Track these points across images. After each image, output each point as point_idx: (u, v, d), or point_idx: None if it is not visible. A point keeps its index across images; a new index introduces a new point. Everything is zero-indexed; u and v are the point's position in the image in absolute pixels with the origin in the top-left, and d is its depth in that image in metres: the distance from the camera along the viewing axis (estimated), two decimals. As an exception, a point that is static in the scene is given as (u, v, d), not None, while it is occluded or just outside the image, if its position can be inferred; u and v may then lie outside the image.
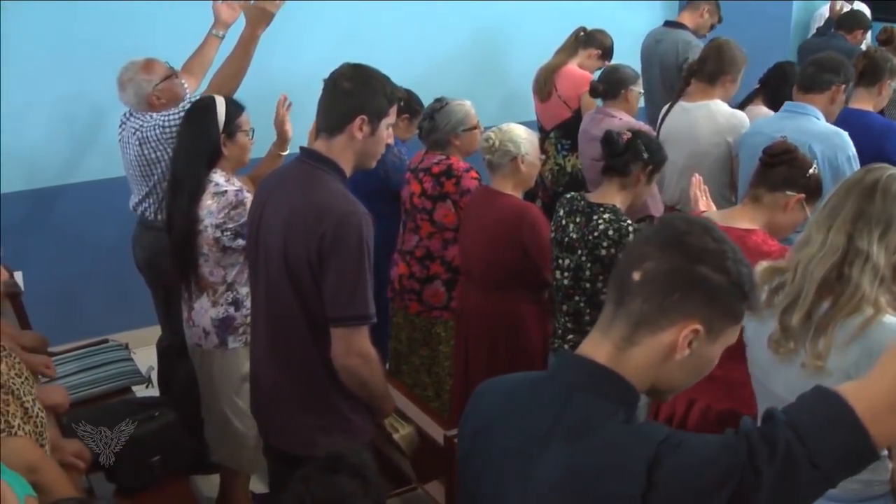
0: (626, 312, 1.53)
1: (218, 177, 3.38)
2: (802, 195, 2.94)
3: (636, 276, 1.52)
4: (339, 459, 1.87)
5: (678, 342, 1.51)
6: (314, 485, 1.85)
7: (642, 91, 5.05)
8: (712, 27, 5.96)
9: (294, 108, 3.84)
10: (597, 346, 1.57)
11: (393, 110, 2.72)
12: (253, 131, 3.53)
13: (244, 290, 3.41)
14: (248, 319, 3.40)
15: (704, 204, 3.41)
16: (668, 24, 6.02)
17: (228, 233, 3.32)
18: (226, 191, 3.34)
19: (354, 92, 2.63)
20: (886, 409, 1.39)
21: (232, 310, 3.44)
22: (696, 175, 3.57)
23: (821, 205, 2.38)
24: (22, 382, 2.66)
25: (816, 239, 2.25)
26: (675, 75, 5.67)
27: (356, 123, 2.63)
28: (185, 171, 3.40)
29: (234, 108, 3.46)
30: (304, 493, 1.86)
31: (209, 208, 3.33)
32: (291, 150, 3.77)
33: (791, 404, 1.47)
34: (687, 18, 5.95)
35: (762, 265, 2.40)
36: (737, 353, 2.67)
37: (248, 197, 3.33)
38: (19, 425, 2.48)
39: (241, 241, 3.31)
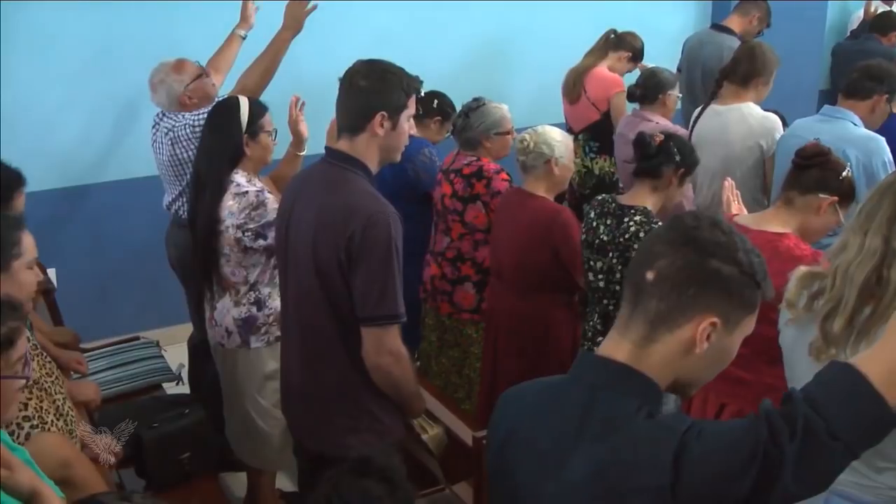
0: (643, 311, 1.56)
1: (240, 177, 3.38)
2: (835, 198, 2.91)
3: (650, 275, 1.55)
4: (368, 463, 1.87)
5: (697, 337, 1.53)
6: (342, 487, 1.85)
7: (680, 95, 5.01)
8: (759, 34, 5.80)
9: (324, 108, 3.84)
10: (616, 346, 1.59)
11: (412, 101, 2.70)
12: (276, 132, 3.52)
13: (266, 290, 3.42)
14: (271, 319, 3.42)
15: (737, 208, 3.38)
16: (715, 27, 5.91)
17: (249, 233, 3.32)
18: (247, 191, 3.33)
19: (371, 89, 2.62)
20: None
21: (254, 309, 3.44)
22: (729, 179, 3.55)
23: (857, 209, 2.35)
24: (53, 381, 2.69)
25: (854, 243, 2.23)
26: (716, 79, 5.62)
27: (376, 120, 2.62)
28: (207, 171, 3.40)
29: (258, 109, 3.46)
30: (332, 494, 1.86)
31: (230, 209, 3.33)
32: (310, 149, 3.82)
33: (809, 382, 1.49)
34: (735, 23, 5.79)
35: (801, 270, 2.38)
36: (767, 356, 2.66)
37: (270, 197, 3.33)
38: (52, 421, 2.51)
39: (262, 242, 3.31)
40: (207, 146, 3.47)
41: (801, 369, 2.36)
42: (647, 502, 1.44)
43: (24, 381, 1.92)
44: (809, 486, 1.43)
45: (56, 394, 2.68)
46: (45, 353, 2.78)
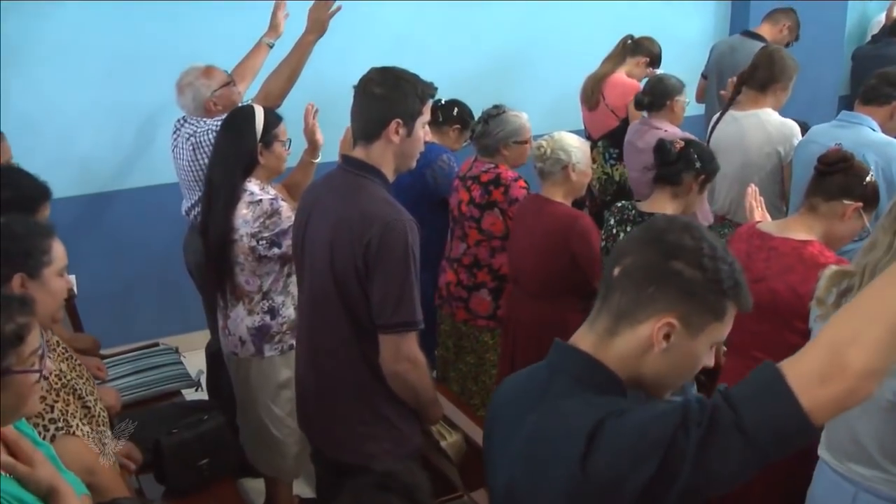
0: (609, 306, 1.62)
1: (253, 185, 3.37)
2: (860, 204, 2.89)
3: (616, 271, 1.61)
4: (392, 478, 1.87)
5: (654, 335, 1.56)
6: (365, 500, 1.86)
7: (688, 101, 4.99)
8: (788, 45, 5.75)
9: (343, 114, 3.85)
10: (582, 336, 1.67)
11: (427, 108, 2.69)
12: (290, 142, 3.52)
13: (280, 299, 3.42)
14: (285, 327, 3.43)
15: (759, 214, 3.36)
16: (745, 33, 5.89)
17: (264, 242, 3.31)
18: (261, 199, 3.33)
19: (386, 97, 2.62)
20: (818, 380, 1.39)
21: (268, 318, 3.44)
22: (752, 185, 3.52)
23: (887, 209, 2.36)
24: (84, 382, 2.71)
25: (883, 242, 2.25)
26: None
27: (392, 128, 2.62)
28: (220, 179, 3.39)
29: (272, 118, 3.46)
30: None
31: (244, 217, 3.32)
32: (323, 156, 3.84)
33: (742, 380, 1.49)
34: (766, 31, 5.80)
35: (831, 268, 2.40)
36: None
37: (284, 205, 3.34)
38: (78, 425, 2.52)
39: (276, 251, 3.32)
40: (221, 154, 3.46)
41: None
42: (562, 473, 1.49)
43: (38, 375, 1.93)
44: (708, 477, 1.42)
45: (87, 395, 2.69)
46: (74, 357, 2.80)
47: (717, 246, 1.59)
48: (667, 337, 1.56)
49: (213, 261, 3.44)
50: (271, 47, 4.53)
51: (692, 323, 1.56)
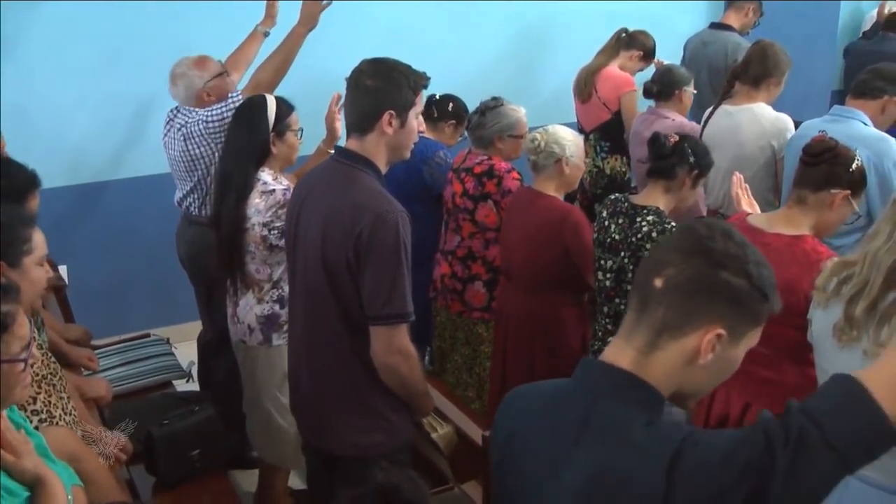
0: (649, 319, 1.55)
1: (266, 175, 3.40)
2: (847, 191, 2.90)
3: (658, 282, 1.54)
4: (396, 491, 1.87)
5: (702, 347, 1.52)
6: None
7: (696, 91, 5.01)
8: (756, 24, 5.92)
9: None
10: (620, 353, 1.58)
11: (419, 98, 2.69)
12: (302, 131, 3.54)
13: (289, 288, 3.43)
14: None
15: (747, 203, 3.37)
16: (714, 25, 5.95)
17: (275, 231, 3.33)
18: (273, 189, 3.35)
19: (378, 88, 2.61)
20: None
21: (277, 307, 3.46)
22: (737, 174, 3.53)
23: (891, 199, 2.38)
24: (58, 379, 2.71)
25: (884, 230, 2.27)
26: (723, 78, 5.62)
27: (384, 119, 2.62)
28: (234, 169, 3.41)
29: (285, 108, 3.48)
30: None
31: (257, 207, 3.35)
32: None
33: (813, 394, 1.47)
34: (732, 19, 5.88)
35: (833, 259, 2.42)
36: (791, 357, 2.67)
37: None
38: (60, 415, 2.52)
39: None
40: (234, 144, 3.48)
41: (827, 353, 2.39)
42: None
43: (23, 365, 1.93)
44: (801, 496, 1.40)
45: (62, 391, 2.69)
46: (49, 353, 2.79)
47: (757, 250, 1.57)
48: (713, 348, 1.53)
49: (224, 249, 3.45)
50: (266, 36, 4.52)
51: (736, 331, 1.54)
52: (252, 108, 3.49)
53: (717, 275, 1.51)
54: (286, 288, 3.42)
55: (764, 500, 1.38)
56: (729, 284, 1.51)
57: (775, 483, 1.37)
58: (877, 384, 1.40)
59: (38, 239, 2.52)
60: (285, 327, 3.44)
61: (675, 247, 1.57)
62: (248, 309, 3.48)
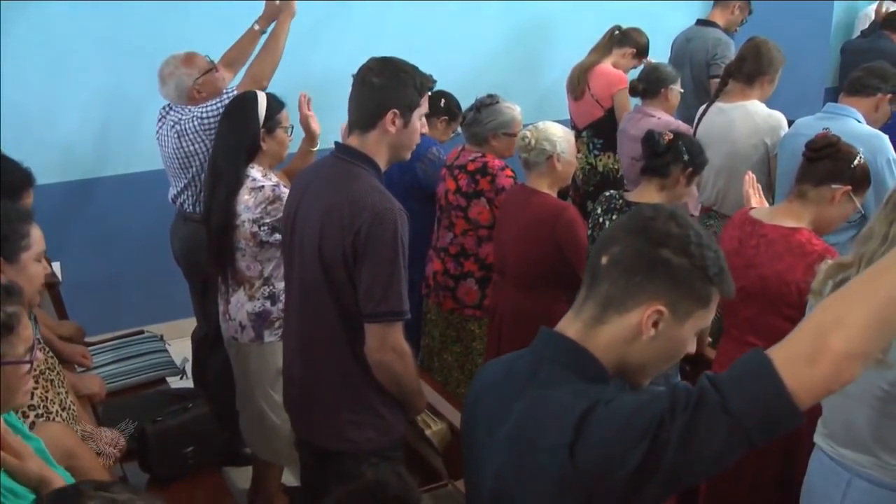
0: (596, 294, 1.62)
1: (255, 172, 3.40)
2: (849, 187, 2.91)
3: (604, 259, 1.61)
4: (384, 488, 1.87)
5: (643, 323, 1.57)
6: None
7: (682, 90, 5.02)
8: (743, 22, 5.97)
9: (333, 104, 3.84)
10: (569, 324, 1.66)
11: (424, 100, 2.69)
12: (292, 128, 3.54)
13: (281, 285, 3.42)
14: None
15: (757, 201, 3.36)
16: (699, 22, 6.00)
17: (265, 227, 3.33)
18: (263, 186, 3.35)
19: (384, 86, 2.61)
20: (804, 362, 1.40)
21: (268, 304, 3.45)
22: (750, 173, 3.53)
23: (885, 198, 2.37)
24: (56, 374, 2.70)
25: (879, 232, 2.26)
26: (704, 72, 5.67)
27: (388, 118, 2.62)
28: (224, 165, 3.41)
29: (275, 104, 3.47)
30: None
31: (246, 203, 3.34)
32: (323, 144, 3.81)
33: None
34: (718, 16, 5.94)
35: (828, 262, 2.41)
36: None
37: (286, 192, 3.34)
38: (57, 411, 2.52)
39: (278, 236, 3.32)
40: (224, 140, 3.47)
41: None
42: (551, 460, 1.49)
43: (28, 367, 1.92)
44: (695, 459, 1.42)
45: (59, 386, 2.69)
46: (46, 348, 2.79)
47: (702, 233, 1.60)
48: (655, 324, 1.57)
49: (214, 246, 3.45)
50: (263, 33, 4.53)
51: (679, 310, 1.58)
52: (242, 104, 3.48)
53: (656, 252, 1.56)
54: (277, 285, 3.43)
55: (660, 459, 1.42)
56: (668, 262, 1.56)
57: (671, 441, 1.41)
58: (780, 355, 1.42)
59: (36, 235, 2.52)
60: (277, 324, 3.45)
61: (622, 226, 1.63)
62: (240, 306, 3.48)
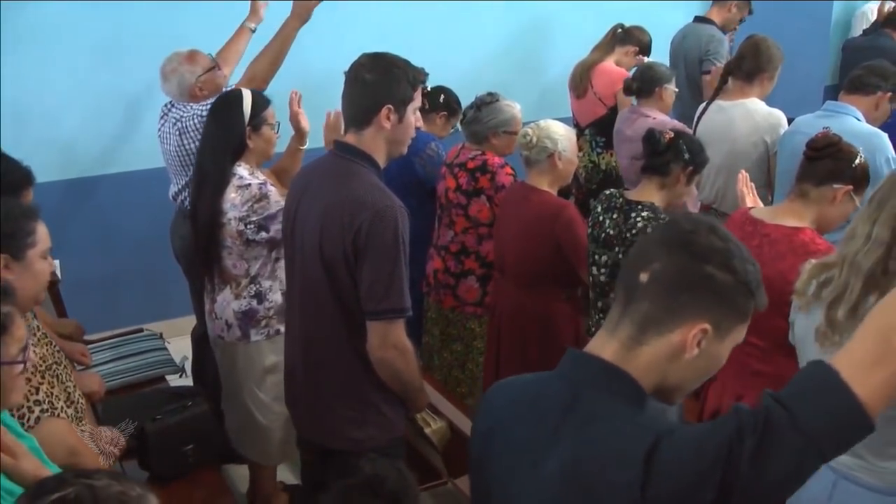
0: (633, 313, 1.55)
1: (242, 170, 3.37)
2: (850, 187, 2.90)
3: (643, 277, 1.53)
4: (381, 483, 1.87)
5: (687, 342, 1.52)
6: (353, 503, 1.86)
7: (677, 90, 5.01)
8: (741, 21, 5.96)
9: (332, 103, 3.83)
10: (604, 344, 1.58)
11: (418, 94, 2.69)
12: (279, 125, 3.52)
13: (267, 284, 3.42)
14: (271, 312, 3.43)
15: (751, 200, 3.36)
16: (696, 19, 6.00)
17: (252, 226, 3.31)
18: (250, 184, 3.33)
19: (377, 82, 2.61)
20: (870, 365, 1.37)
21: (255, 303, 3.44)
22: (743, 172, 3.53)
23: (868, 198, 2.36)
24: (63, 369, 2.70)
25: (862, 233, 2.25)
26: (696, 68, 5.67)
27: (383, 114, 2.61)
28: (210, 164, 3.39)
29: (261, 102, 3.45)
30: None
31: (233, 201, 3.32)
32: (312, 142, 3.83)
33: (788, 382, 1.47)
34: (715, 14, 5.93)
35: (811, 262, 2.40)
36: (785, 350, 2.67)
37: (273, 190, 3.33)
38: (62, 408, 2.51)
39: (264, 235, 3.32)
40: (210, 138, 3.45)
41: (810, 356, 2.38)
42: (616, 499, 1.43)
43: (22, 367, 1.92)
44: (768, 481, 1.38)
45: (67, 381, 2.68)
46: (54, 343, 2.79)
47: (741, 245, 1.55)
48: (698, 343, 1.52)
49: (200, 244, 3.43)
50: (253, 31, 4.53)
51: (722, 327, 1.53)
52: (228, 102, 3.45)
53: (702, 269, 1.51)
54: (264, 283, 3.42)
55: (733, 486, 1.38)
56: (713, 279, 1.50)
57: (742, 465, 1.37)
58: (844, 363, 1.39)
59: (42, 231, 2.52)
60: (263, 323, 3.44)
61: (660, 241, 1.56)
62: (226, 305, 3.46)
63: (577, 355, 1.61)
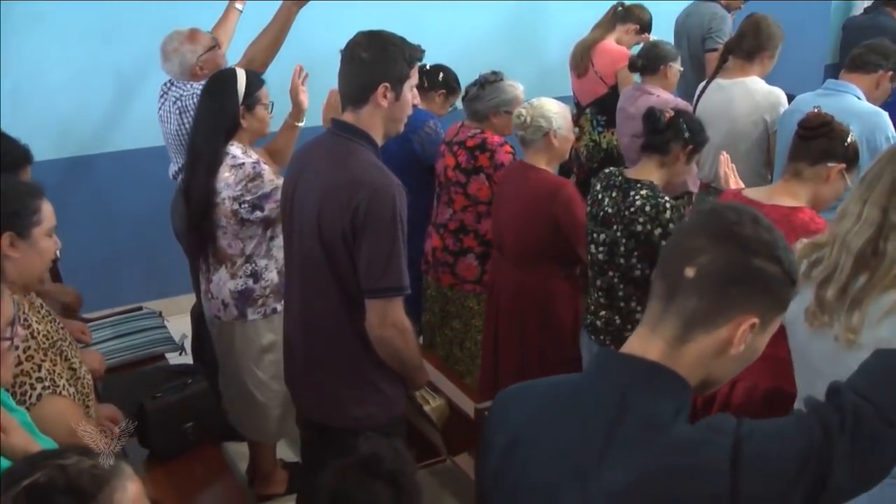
0: (679, 309, 1.47)
1: (235, 149, 3.37)
2: (843, 165, 2.92)
3: (689, 272, 1.46)
4: (378, 462, 1.87)
5: (735, 337, 1.46)
6: (349, 484, 1.86)
7: (682, 69, 5.00)
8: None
9: (332, 83, 3.81)
10: (647, 344, 1.50)
11: (414, 71, 2.69)
12: (272, 105, 3.51)
13: (263, 263, 3.43)
14: (268, 291, 3.44)
15: (734, 182, 3.38)
16: None
17: (246, 205, 3.31)
18: (243, 163, 3.32)
19: (373, 61, 2.61)
20: None
21: (251, 282, 3.45)
22: (724, 153, 3.55)
23: (859, 177, 2.36)
24: (68, 345, 2.70)
25: (853, 212, 2.24)
26: (699, 47, 5.65)
27: (379, 92, 2.61)
28: (203, 143, 3.39)
29: (255, 81, 3.44)
30: (338, 490, 1.87)
31: (226, 181, 3.32)
32: (310, 121, 3.82)
33: (854, 372, 1.44)
34: None
35: (802, 241, 2.39)
36: (781, 328, 2.67)
37: (266, 169, 3.33)
38: (64, 385, 2.51)
39: (259, 214, 3.32)
40: (204, 117, 3.45)
41: (799, 337, 2.38)
42: None
43: (9, 343, 1.92)
44: (865, 479, 1.37)
45: (73, 357, 2.68)
46: (58, 320, 2.79)
47: (782, 235, 1.50)
48: (745, 337, 1.47)
49: (195, 224, 3.43)
50: (241, 12, 4.51)
51: (767, 319, 1.48)
52: (221, 81, 3.44)
53: (751, 262, 1.44)
54: (260, 262, 3.43)
55: (824, 485, 1.35)
56: (763, 272, 1.45)
57: (836, 467, 1.34)
58: None
59: (47, 209, 2.53)
60: (260, 301, 3.45)
61: (705, 233, 1.48)
62: (222, 284, 3.47)
63: (617, 356, 1.52)
